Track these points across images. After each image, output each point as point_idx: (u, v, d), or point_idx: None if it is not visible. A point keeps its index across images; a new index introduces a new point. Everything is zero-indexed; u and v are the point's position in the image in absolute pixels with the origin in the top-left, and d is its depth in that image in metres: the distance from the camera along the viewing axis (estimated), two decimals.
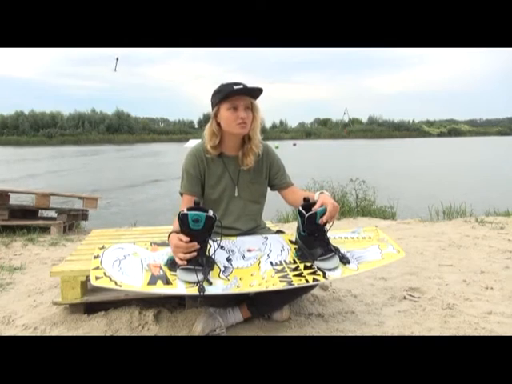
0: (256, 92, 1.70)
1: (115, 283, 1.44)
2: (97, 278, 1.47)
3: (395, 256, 1.70)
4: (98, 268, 1.53)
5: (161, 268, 1.55)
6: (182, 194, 1.82)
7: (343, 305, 2.08)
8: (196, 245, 1.47)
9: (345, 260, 1.60)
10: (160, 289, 1.46)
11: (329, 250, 1.59)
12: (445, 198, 5.51)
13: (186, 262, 1.46)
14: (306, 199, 1.65)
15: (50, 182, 12.06)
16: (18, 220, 4.32)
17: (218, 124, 1.74)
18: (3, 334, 1.78)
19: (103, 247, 1.69)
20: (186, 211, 1.47)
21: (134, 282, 1.46)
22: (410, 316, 1.94)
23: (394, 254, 1.71)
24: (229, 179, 1.82)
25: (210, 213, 1.49)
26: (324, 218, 1.55)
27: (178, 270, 1.48)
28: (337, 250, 1.61)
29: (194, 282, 1.44)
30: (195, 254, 1.46)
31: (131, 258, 1.61)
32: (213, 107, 1.73)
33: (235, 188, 1.83)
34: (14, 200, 4.67)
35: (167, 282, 1.47)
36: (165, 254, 1.62)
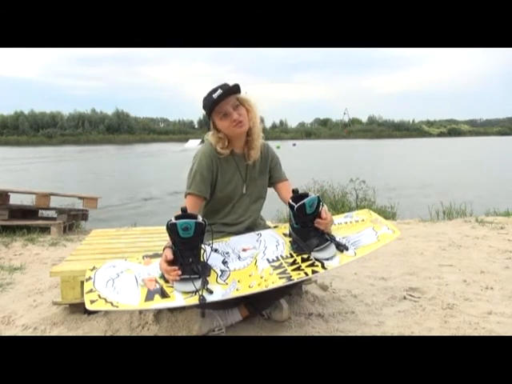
0: (234, 89, 1.70)
1: (111, 304, 1.41)
2: (92, 302, 1.42)
3: (391, 236, 1.68)
4: (91, 291, 1.48)
5: (156, 281, 1.52)
6: (186, 195, 1.75)
7: (343, 305, 2.08)
8: (177, 271, 1.44)
9: (342, 247, 1.58)
10: (158, 304, 1.43)
11: (324, 239, 1.58)
12: (445, 198, 5.51)
13: (177, 278, 1.44)
14: (294, 191, 1.63)
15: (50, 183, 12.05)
16: (17, 220, 4.32)
17: (220, 131, 1.76)
18: (3, 334, 1.77)
19: (94, 268, 1.63)
20: (173, 220, 1.44)
21: (131, 300, 1.43)
22: (410, 316, 1.94)
23: (389, 234, 1.69)
24: (239, 177, 1.83)
25: (199, 219, 1.47)
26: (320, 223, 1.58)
27: (174, 282, 1.46)
28: (332, 238, 1.59)
29: (191, 291, 1.42)
30: (177, 277, 1.44)
31: (124, 276, 1.57)
32: (208, 119, 1.77)
33: (244, 185, 1.84)
34: (14, 200, 4.66)
35: (165, 296, 1.45)
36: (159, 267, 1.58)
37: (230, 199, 1.82)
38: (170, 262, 1.48)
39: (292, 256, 1.61)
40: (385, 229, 1.73)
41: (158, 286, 1.49)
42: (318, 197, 1.58)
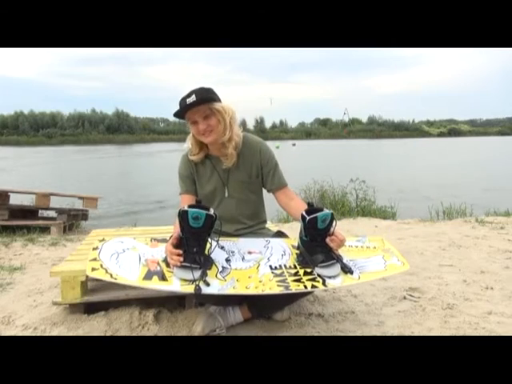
0: (206, 99, 1.65)
1: (110, 275, 1.44)
2: (93, 270, 1.46)
3: (399, 268, 1.65)
4: (95, 259, 1.53)
5: (158, 264, 1.54)
6: (181, 195, 1.87)
7: (343, 305, 2.08)
8: (180, 256, 1.45)
9: (347, 269, 1.54)
10: (155, 284, 1.44)
11: (330, 257, 1.54)
12: (445, 198, 5.51)
13: (178, 263, 1.45)
14: (310, 204, 1.61)
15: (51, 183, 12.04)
16: (18, 220, 4.32)
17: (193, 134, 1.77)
18: (3, 334, 1.78)
19: (103, 239, 1.69)
20: (186, 208, 1.47)
21: (130, 275, 1.45)
22: (409, 316, 1.94)
23: (398, 265, 1.66)
24: (218, 179, 1.82)
25: (211, 211, 1.48)
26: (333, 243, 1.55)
27: (174, 267, 1.47)
28: (339, 258, 1.56)
29: (189, 280, 1.43)
30: (178, 263, 1.44)
31: (129, 253, 1.61)
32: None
33: (225, 188, 1.83)
34: (14, 200, 4.67)
35: (163, 278, 1.47)
36: (164, 250, 1.61)
37: (212, 200, 1.83)
38: (176, 247, 1.50)
39: (295, 267, 1.60)
40: (394, 259, 1.70)
41: (158, 269, 1.51)
42: (332, 213, 1.54)
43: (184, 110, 1.66)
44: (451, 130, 75.93)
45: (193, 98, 1.63)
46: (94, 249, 1.61)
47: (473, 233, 3.66)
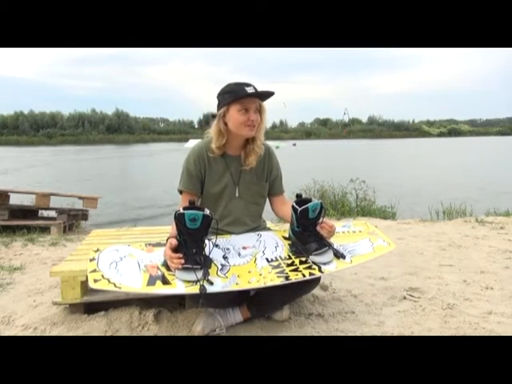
0: (267, 95, 1.72)
1: (114, 285, 1.44)
2: (95, 281, 1.45)
3: (386, 248, 1.75)
4: (95, 271, 1.52)
5: (158, 268, 1.54)
6: (180, 192, 1.82)
7: (343, 305, 2.08)
8: (181, 259, 1.46)
9: (339, 255, 1.62)
10: (160, 289, 1.45)
11: (323, 244, 1.61)
12: (445, 198, 5.51)
13: (180, 266, 1.45)
14: (298, 195, 1.67)
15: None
16: (18, 220, 4.32)
17: (226, 124, 1.73)
18: (3, 334, 1.77)
19: (98, 250, 1.68)
20: (182, 211, 1.48)
21: (133, 283, 1.46)
22: (410, 316, 1.94)
23: (384, 246, 1.76)
24: (230, 179, 1.82)
25: (207, 211, 1.50)
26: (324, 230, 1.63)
27: (176, 270, 1.48)
28: (330, 245, 1.63)
29: (193, 280, 1.44)
30: (179, 266, 1.45)
31: (127, 260, 1.60)
32: (221, 106, 1.71)
33: (236, 188, 1.83)
34: (14, 200, 4.66)
35: (166, 282, 1.47)
36: (161, 254, 1.62)
37: (220, 199, 1.82)
38: (174, 251, 1.50)
39: (290, 258, 1.65)
40: (380, 241, 1.80)
41: (159, 273, 1.52)
42: (321, 203, 1.62)
43: (246, 95, 1.65)
44: (451, 129, 75.98)
45: (251, 88, 1.66)
46: (91, 260, 1.60)
47: (473, 233, 3.66)
